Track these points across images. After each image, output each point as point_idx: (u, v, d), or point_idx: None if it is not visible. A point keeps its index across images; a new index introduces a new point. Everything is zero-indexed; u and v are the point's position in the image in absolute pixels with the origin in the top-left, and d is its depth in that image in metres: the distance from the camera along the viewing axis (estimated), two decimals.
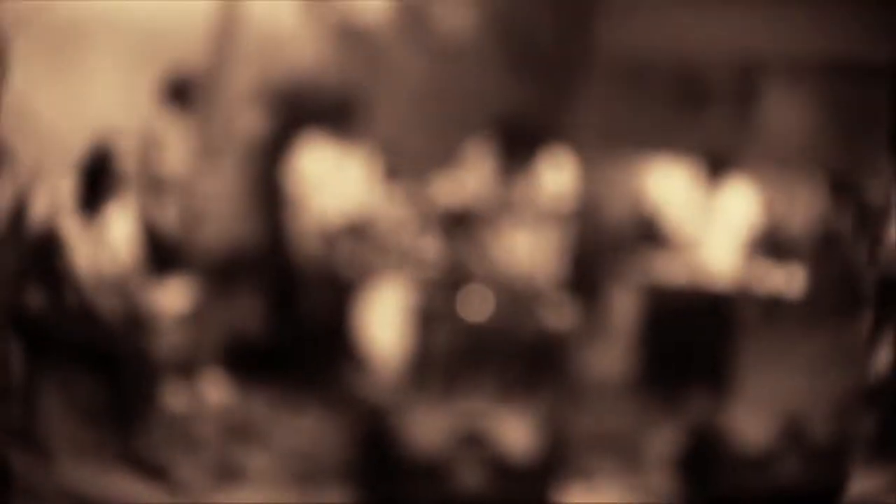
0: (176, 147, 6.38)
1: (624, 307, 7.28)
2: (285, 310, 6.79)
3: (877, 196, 6.42)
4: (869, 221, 6.37)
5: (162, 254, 6.03)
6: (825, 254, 6.97)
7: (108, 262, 5.49)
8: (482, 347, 6.43)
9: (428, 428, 4.78)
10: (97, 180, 5.46)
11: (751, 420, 5.31)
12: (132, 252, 5.61)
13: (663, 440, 5.80)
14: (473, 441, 4.78)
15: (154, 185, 6.32)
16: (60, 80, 6.21)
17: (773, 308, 6.38)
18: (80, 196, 5.45)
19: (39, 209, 5.38)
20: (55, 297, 5.35)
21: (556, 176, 6.48)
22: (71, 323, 5.33)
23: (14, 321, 5.26)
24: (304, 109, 7.14)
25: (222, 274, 6.66)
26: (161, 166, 6.33)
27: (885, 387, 5.97)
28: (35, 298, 5.34)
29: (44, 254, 5.35)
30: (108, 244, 5.51)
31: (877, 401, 5.97)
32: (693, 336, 6.37)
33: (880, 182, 6.43)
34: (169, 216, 6.34)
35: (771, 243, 6.67)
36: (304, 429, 5.96)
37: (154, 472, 5.08)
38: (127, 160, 5.58)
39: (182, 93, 6.39)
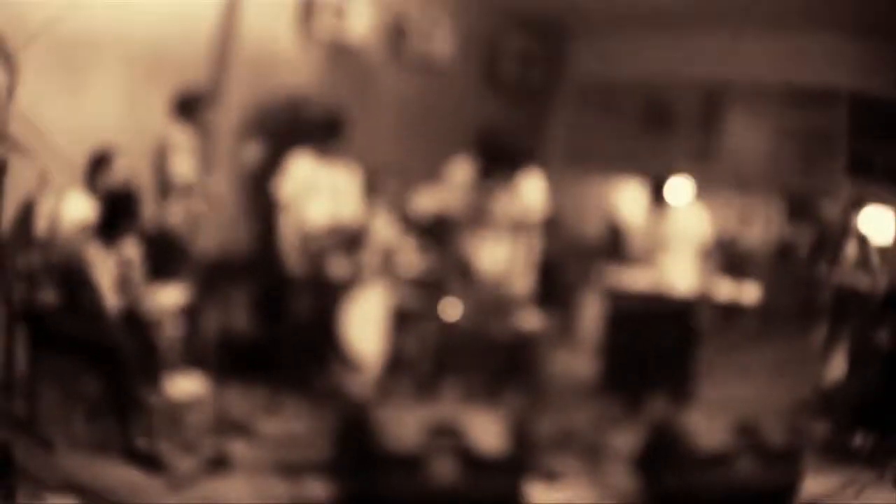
0: (183, 156, 6.56)
1: (589, 314, 7.42)
2: (274, 310, 6.92)
3: (834, 216, 6.61)
4: (826, 239, 6.53)
5: (164, 255, 6.16)
6: (781, 268, 7.10)
7: (116, 264, 5.54)
8: (456, 349, 6.55)
9: (404, 424, 4.69)
10: (113, 199, 5.50)
11: (706, 422, 5.22)
12: (138, 252, 5.64)
13: (623, 440, 5.88)
14: (446, 437, 4.70)
15: (160, 191, 6.51)
16: (67, 91, 6.34)
17: (729, 317, 6.48)
18: (98, 216, 5.49)
19: (47, 215, 5.40)
20: (67, 297, 5.36)
21: (530, 191, 6.60)
22: (78, 320, 5.33)
23: (22, 316, 5.29)
24: (296, 124, 7.31)
25: (216, 275, 6.80)
26: (169, 173, 6.50)
27: (837, 394, 6.18)
28: (47, 296, 5.36)
29: (60, 260, 5.37)
30: (119, 251, 5.56)
31: (829, 407, 6.17)
32: (653, 342, 6.47)
33: (837, 203, 6.62)
34: (171, 219, 6.53)
35: (728, 257, 6.77)
36: (289, 423, 6.05)
37: (148, 461, 5.11)
38: (134, 168, 5.64)
39: (189, 106, 6.60)
